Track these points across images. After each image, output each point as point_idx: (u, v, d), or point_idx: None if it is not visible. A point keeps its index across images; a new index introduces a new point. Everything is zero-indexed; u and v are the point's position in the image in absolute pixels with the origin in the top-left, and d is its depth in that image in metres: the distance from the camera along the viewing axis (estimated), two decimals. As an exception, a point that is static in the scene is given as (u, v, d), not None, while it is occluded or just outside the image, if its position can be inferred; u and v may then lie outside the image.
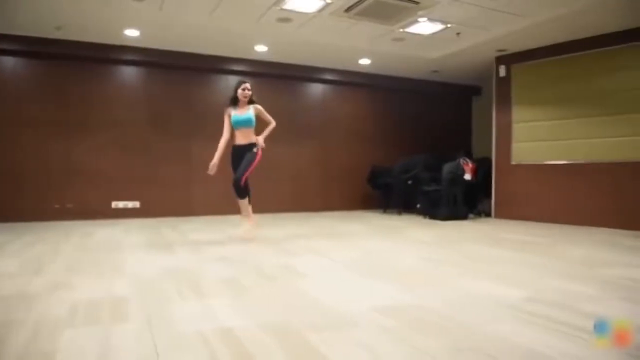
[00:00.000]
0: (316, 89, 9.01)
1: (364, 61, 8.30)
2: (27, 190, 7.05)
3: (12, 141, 7.02)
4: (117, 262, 3.87)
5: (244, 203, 4.94)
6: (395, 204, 8.45)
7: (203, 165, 6.98)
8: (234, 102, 4.87)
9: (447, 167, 7.42)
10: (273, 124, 5.04)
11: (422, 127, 9.92)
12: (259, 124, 5.09)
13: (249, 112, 4.89)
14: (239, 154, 4.91)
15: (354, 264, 3.82)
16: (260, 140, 4.94)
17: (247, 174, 4.81)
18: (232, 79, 6.84)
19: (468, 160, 7.59)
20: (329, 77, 8.92)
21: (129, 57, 7.47)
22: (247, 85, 4.85)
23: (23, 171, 7.05)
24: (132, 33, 6.75)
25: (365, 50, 7.54)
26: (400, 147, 9.55)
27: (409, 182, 8.01)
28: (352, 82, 9.08)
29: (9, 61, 7.08)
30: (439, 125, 10.07)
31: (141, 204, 7.60)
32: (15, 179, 7.01)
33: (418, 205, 7.90)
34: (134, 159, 7.63)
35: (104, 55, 7.30)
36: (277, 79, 8.48)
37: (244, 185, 4.81)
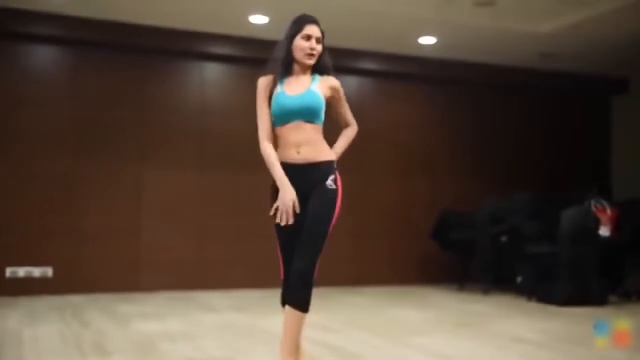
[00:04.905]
0: (347, 85, 7.85)
1: (427, 39, 7.37)
2: None
3: None
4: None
5: (302, 319, 3.38)
6: (480, 275, 7.44)
7: (157, 205, 7.01)
8: (286, 66, 3.25)
9: (568, 216, 6.65)
10: (354, 127, 3.55)
11: (524, 146, 8.67)
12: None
13: (312, 88, 3.29)
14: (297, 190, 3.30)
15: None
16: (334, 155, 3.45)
17: (323, 246, 3.37)
18: (212, 68, 6.98)
19: (604, 203, 7.04)
20: (368, 65, 7.85)
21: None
22: (318, 29, 3.26)
23: None
24: None
25: (430, 21, 6.94)
26: (486, 179, 8.25)
27: (503, 238, 7.28)
28: (405, 73, 7.96)
29: None
30: (552, 144, 8.77)
31: (54, 271, 6.84)
32: None
33: (519, 279, 7.15)
34: (43, 194, 6.84)
35: None
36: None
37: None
